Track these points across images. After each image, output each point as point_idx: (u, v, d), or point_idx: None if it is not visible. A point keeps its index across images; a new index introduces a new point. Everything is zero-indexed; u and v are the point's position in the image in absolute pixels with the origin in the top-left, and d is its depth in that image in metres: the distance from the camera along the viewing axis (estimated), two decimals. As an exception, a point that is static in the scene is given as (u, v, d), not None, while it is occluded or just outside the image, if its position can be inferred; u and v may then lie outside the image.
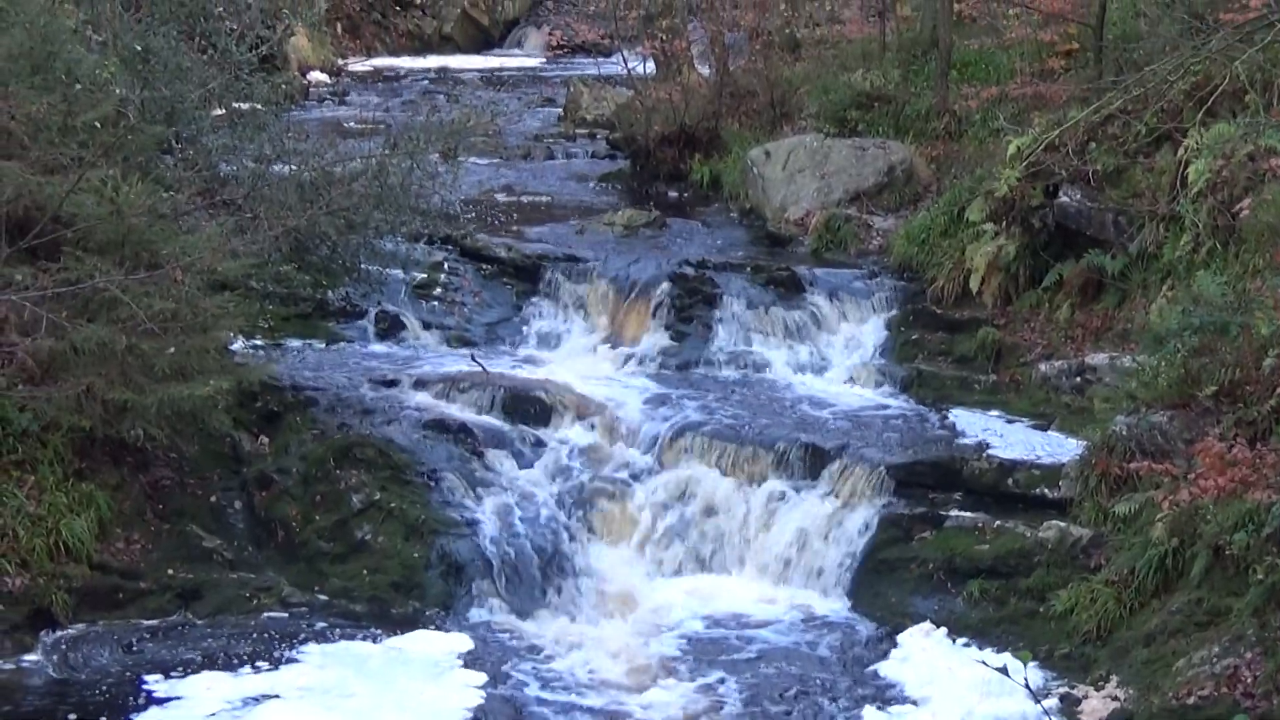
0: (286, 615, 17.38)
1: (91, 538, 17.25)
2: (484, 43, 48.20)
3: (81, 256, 17.42)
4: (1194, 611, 15.43)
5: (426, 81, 40.85)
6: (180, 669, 16.03)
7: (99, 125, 19.31)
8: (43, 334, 16.99)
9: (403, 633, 17.05)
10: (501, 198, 28.09)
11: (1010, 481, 18.32)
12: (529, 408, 20.30)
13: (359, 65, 43.50)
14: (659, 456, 19.60)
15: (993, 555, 17.71)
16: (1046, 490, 18.04)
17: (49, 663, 16.11)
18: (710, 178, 28.78)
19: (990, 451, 18.95)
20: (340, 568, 17.99)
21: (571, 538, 18.67)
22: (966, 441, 19.39)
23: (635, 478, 19.40)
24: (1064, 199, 21.46)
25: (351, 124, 32.59)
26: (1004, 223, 22.11)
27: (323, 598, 17.69)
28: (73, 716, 15.13)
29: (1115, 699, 15.23)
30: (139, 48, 22.16)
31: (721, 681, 16.33)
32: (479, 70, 43.26)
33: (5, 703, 15.33)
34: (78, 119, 18.87)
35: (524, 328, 23.29)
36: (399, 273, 23.32)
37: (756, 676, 16.42)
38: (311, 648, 16.64)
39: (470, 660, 16.31)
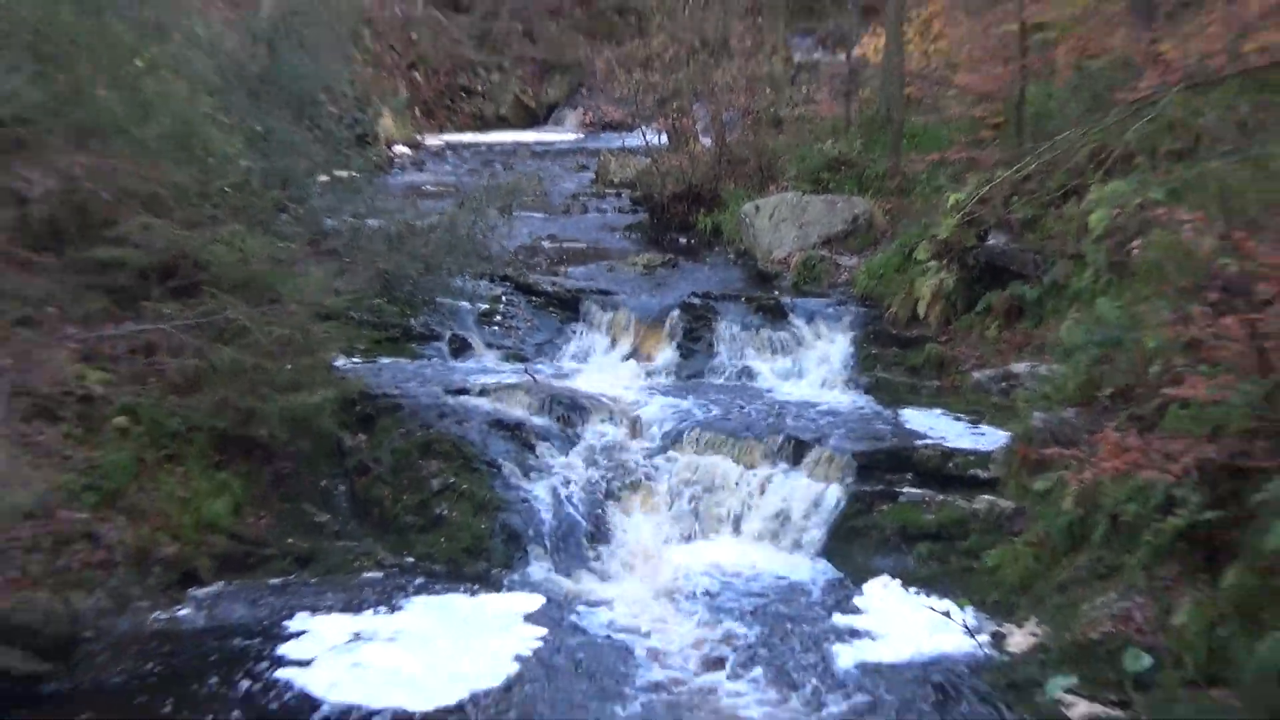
0: (381, 575, 17.53)
1: (228, 515, 17.47)
2: (531, 121, 48.27)
3: (217, 294, 17.57)
4: (1096, 567, 15.48)
5: (486, 152, 40.96)
6: (300, 616, 16.20)
7: (229, 191, 19.48)
8: (187, 356, 17.19)
9: (474, 588, 17.20)
10: (547, 244, 28.25)
11: (951, 465, 18.42)
12: (570, 409, 20.43)
13: (434, 140, 43.60)
14: (673, 447, 19.73)
15: (937, 523, 17.83)
16: (979, 472, 18.13)
17: (197, 614, 16.27)
18: (712, 227, 28.91)
19: (935, 441, 19.08)
20: (423, 537, 18.14)
21: (604, 512, 18.82)
22: (916, 434, 19.52)
23: (654, 464, 19.52)
24: (992, 242, 21.56)
25: (428, 187, 32.77)
26: (945, 260, 22.22)
27: (410, 560, 17.83)
28: (218, 653, 15.30)
29: (1034, 635, 15.30)
30: (260, 129, 22.32)
31: (727, 623, 16.42)
32: (528, 143, 43.33)
33: (166, 644, 15.51)
34: (212, 186, 19.04)
35: (565, 346, 23.43)
36: (467, 304, 23.50)
37: (754, 618, 16.52)
38: (402, 600, 16.76)
39: (530, 615, 16.39)
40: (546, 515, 18.45)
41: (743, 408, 20.70)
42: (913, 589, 17.02)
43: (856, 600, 16.94)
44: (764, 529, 18.69)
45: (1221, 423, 14.13)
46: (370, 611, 16.45)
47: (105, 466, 16.36)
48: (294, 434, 18.27)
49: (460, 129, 45.90)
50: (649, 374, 22.38)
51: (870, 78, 31.45)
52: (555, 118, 48.80)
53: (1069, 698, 14.00)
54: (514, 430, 19.71)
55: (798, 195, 27.07)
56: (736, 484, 19.11)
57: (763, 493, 18.95)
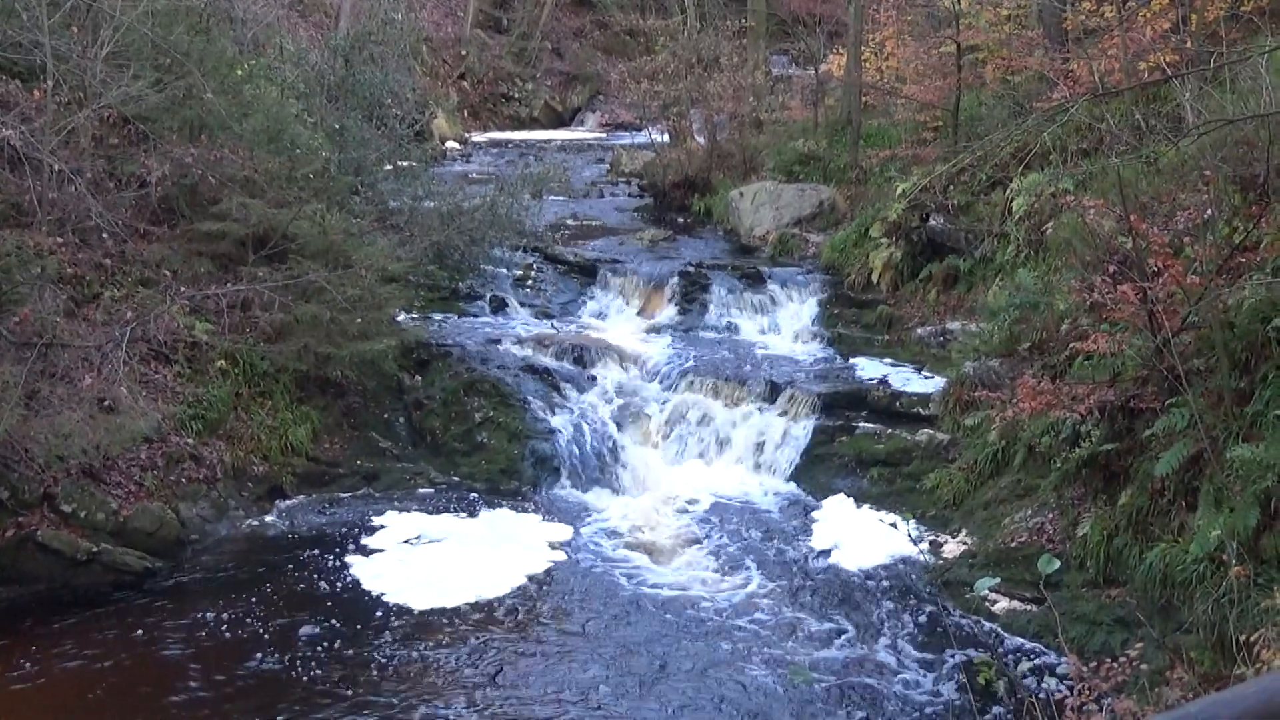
0: (433, 490, 17.46)
1: (308, 441, 17.42)
2: (559, 122, 47.83)
3: (301, 260, 17.55)
4: (1015, 488, 15.44)
5: (521, 147, 40.69)
6: (368, 522, 16.19)
7: (311, 176, 19.38)
8: (276, 310, 17.12)
9: (508, 503, 17.12)
10: (570, 222, 28.02)
11: (898, 404, 18.28)
12: (587, 356, 20.30)
13: (479, 137, 43.24)
14: (672, 387, 19.59)
15: (886, 451, 17.69)
16: (921, 410, 18.00)
17: (282, 521, 16.27)
18: (705, 209, 28.68)
19: (885, 385, 18.91)
20: (467, 460, 18.02)
21: (614, 440, 18.66)
22: (869, 378, 19.35)
23: (656, 401, 19.37)
24: (932, 222, 21.39)
25: (474, 175, 32.44)
26: (894, 237, 22.05)
27: (456, 479, 17.74)
28: (297, 552, 15.27)
29: (965, 544, 15.26)
30: (337, 126, 22.18)
31: (715, 531, 16.36)
32: (555, 140, 43.03)
33: (256, 545, 15.52)
34: (298, 172, 18.94)
35: (585, 305, 23.24)
36: (504, 270, 23.38)
37: (736, 528, 16.45)
38: (448, 513, 16.71)
39: (549, 530, 16.31)
40: (568, 443, 18.31)
41: (729, 356, 20.55)
42: (866, 505, 16.94)
43: (819, 513, 16.84)
44: (745, 455, 18.55)
45: (1119, 371, 14.07)
46: (425, 518, 16.40)
47: (208, 400, 16.35)
48: (362, 375, 18.23)
49: (500, 128, 45.44)
50: (653, 329, 22.19)
51: (834, 89, 31.09)
52: (578, 119, 48.33)
53: (993, 595, 13.95)
54: (542, 373, 19.53)
55: (775, 184, 26.86)
56: (723, 418, 18.94)
57: (744, 425, 18.80)
